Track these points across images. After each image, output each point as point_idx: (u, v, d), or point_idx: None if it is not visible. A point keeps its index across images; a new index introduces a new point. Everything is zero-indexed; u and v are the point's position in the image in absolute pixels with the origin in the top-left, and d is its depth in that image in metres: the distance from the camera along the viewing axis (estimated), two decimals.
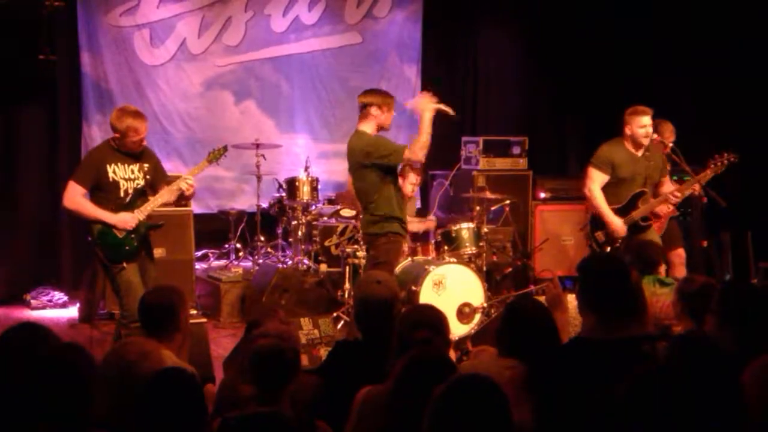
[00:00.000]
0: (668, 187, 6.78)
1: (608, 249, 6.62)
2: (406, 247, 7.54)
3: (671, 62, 9.42)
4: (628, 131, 6.53)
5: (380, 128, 6.12)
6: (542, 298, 4.11)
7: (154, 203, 5.74)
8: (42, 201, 8.77)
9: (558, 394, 2.50)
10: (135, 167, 5.71)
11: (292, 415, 3.13)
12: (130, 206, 5.68)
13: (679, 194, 6.59)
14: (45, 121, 8.78)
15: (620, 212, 6.55)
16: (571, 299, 4.26)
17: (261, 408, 3.08)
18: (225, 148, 6.20)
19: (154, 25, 9.20)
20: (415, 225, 8.03)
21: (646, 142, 6.51)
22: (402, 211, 6.10)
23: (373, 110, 6.02)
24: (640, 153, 6.57)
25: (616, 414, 2.30)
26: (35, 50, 8.08)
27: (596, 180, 6.58)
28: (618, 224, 6.48)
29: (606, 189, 6.58)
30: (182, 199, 6.04)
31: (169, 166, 8.28)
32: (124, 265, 5.58)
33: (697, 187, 6.60)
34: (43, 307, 8.20)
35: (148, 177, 5.77)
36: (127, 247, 5.61)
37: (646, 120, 6.47)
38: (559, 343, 3.51)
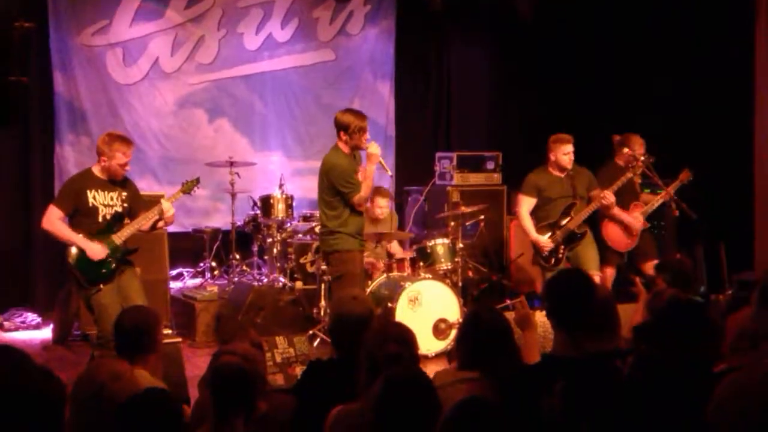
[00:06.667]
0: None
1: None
2: (381, 264, 7.55)
3: (640, 77, 9.49)
4: (552, 157, 7.10)
5: (354, 149, 6.30)
6: (512, 315, 4.14)
7: (132, 228, 5.85)
8: (14, 222, 8.68)
9: (526, 411, 2.51)
10: (114, 194, 5.83)
11: None
12: (108, 231, 5.78)
13: (606, 196, 6.96)
14: (17, 142, 8.71)
15: (554, 226, 7.03)
16: (541, 316, 4.29)
17: None
18: (198, 180, 6.39)
19: (127, 44, 9.16)
20: (397, 250, 8.05)
21: (569, 165, 7.05)
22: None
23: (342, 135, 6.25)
24: (563, 174, 7.09)
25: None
26: (6, 71, 8.04)
27: (524, 204, 7.16)
28: (542, 240, 7.01)
29: (540, 210, 7.12)
30: (161, 222, 6.05)
31: (143, 185, 8.26)
32: (101, 287, 5.67)
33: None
34: (16, 329, 8.08)
35: (126, 204, 5.89)
36: (104, 270, 5.70)
37: (569, 147, 7.05)
38: (518, 353, 3.57)
